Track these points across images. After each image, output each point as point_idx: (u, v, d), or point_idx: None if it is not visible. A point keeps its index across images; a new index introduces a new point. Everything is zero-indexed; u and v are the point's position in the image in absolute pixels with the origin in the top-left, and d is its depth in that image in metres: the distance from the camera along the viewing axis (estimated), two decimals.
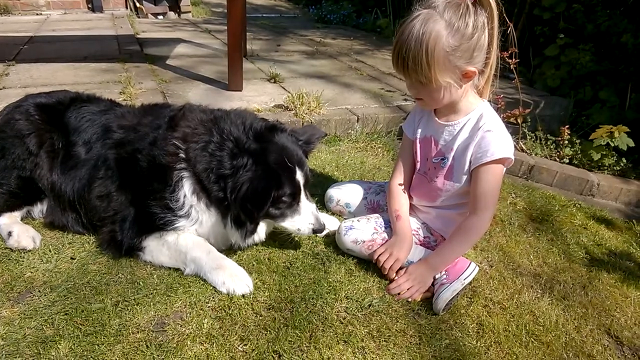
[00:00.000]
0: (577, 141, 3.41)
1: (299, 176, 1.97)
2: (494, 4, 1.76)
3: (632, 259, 2.46)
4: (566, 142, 3.40)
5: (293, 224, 2.02)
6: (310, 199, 2.09)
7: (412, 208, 2.27)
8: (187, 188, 1.92)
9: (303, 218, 2.01)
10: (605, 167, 3.29)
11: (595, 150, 3.25)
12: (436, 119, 2.05)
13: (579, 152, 3.36)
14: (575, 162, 3.35)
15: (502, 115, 3.26)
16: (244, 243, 2.01)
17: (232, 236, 1.99)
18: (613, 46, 4.31)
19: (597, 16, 4.45)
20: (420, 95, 1.94)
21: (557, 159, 3.37)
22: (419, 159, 2.17)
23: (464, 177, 1.99)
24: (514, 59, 3.18)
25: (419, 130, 2.15)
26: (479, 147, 1.90)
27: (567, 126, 3.41)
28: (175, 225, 1.97)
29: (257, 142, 1.92)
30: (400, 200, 2.20)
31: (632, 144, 3.22)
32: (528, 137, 3.50)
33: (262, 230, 2.04)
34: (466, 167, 1.96)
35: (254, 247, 2.15)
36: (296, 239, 2.19)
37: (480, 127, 1.91)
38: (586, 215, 2.85)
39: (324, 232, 2.28)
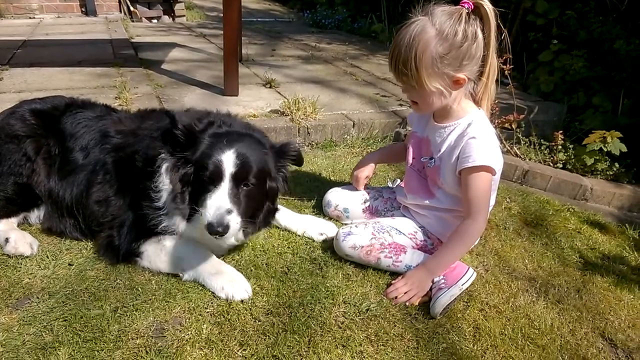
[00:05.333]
0: (571, 146, 3.45)
1: (226, 161, 1.78)
2: (491, 15, 1.81)
3: (625, 262, 2.49)
4: (560, 147, 3.44)
5: (203, 210, 1.79)
6: (231, 199, 1.76)
7: (410, 211, 2.29)
8: (163, 169, 1.92)
9: (207, 206, 1.76)
10: (599, 172, 3.32)
11: (588, 155, 3.28)
12: (433, 120, 2.12)
13: (572, 157, 3.40)
14: (569, 167, 3.38)
15: (496, 121, 3.30)
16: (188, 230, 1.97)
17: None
18: (606, 52, 4.37)
19: (590, 22, 4.51)
20: (413, 98, 2.01)
21: (551, 164, 3.40)
22: (412, 155, 2.21)
23: (452, 179, 2.04)
24: (508, 65, 3.21)
25: (421, 129, 2.22)
26: (463, 152, 1.96)
27: (560, 131, 3.46)
28: (162, 225, 1.96)
29: (205, 129, 1.93)
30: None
31: (624, 149, 3.26)
32: (522, 142, 3.53)
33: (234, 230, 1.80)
34: (452, 170, 2.01)
35: (252, 252, 2.16)
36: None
37: (467, 134, 1.97)
38: (580, 220, 2.88)
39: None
